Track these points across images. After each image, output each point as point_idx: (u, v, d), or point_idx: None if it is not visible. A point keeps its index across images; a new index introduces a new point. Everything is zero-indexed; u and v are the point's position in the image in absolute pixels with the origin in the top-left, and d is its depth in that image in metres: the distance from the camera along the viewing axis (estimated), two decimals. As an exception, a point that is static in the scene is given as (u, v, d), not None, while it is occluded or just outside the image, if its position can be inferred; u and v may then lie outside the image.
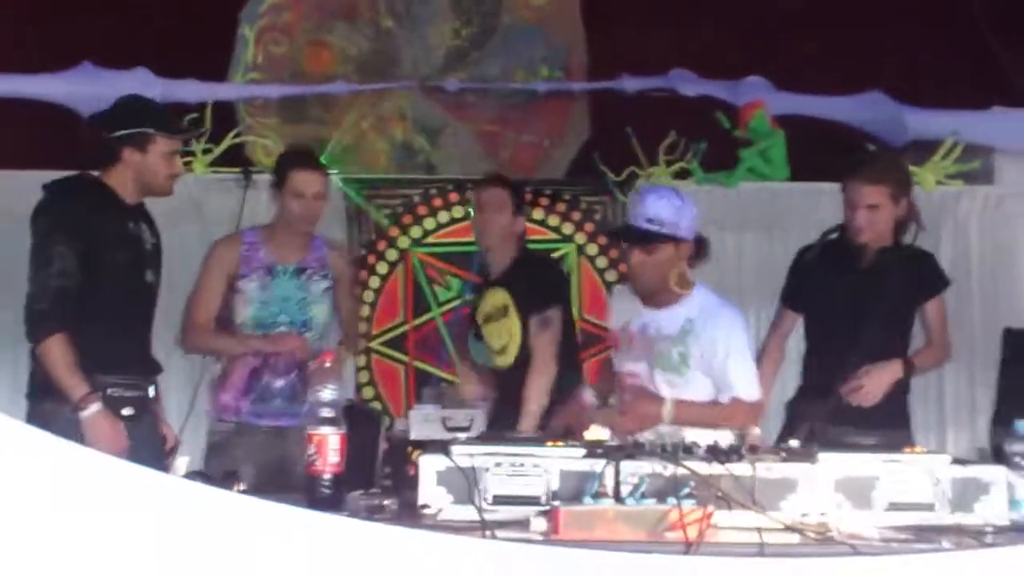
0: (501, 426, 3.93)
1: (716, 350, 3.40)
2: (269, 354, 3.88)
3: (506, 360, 4.16)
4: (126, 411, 3.46)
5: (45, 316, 3.40)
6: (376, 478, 4.01)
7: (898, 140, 5.40)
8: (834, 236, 3.86)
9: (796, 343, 4.07)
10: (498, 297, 4.17)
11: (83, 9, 5.27)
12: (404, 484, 3.43)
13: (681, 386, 3.42)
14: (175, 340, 4.00)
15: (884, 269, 3.77)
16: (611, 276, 5.43)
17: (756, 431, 3.47)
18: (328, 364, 2.89)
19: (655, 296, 3.47)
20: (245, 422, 3.88)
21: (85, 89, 5.05)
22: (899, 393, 3.82)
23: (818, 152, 5.31)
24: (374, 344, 5.42)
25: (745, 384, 3.41)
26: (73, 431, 3.23)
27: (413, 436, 4.63)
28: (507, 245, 4.20)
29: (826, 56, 5.47)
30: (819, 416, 3.58)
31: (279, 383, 3.89)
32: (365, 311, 5.38)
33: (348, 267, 4.27)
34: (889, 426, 3.64)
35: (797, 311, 3.96)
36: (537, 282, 4.12)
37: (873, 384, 3.69)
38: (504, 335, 4.15)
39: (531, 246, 4.87)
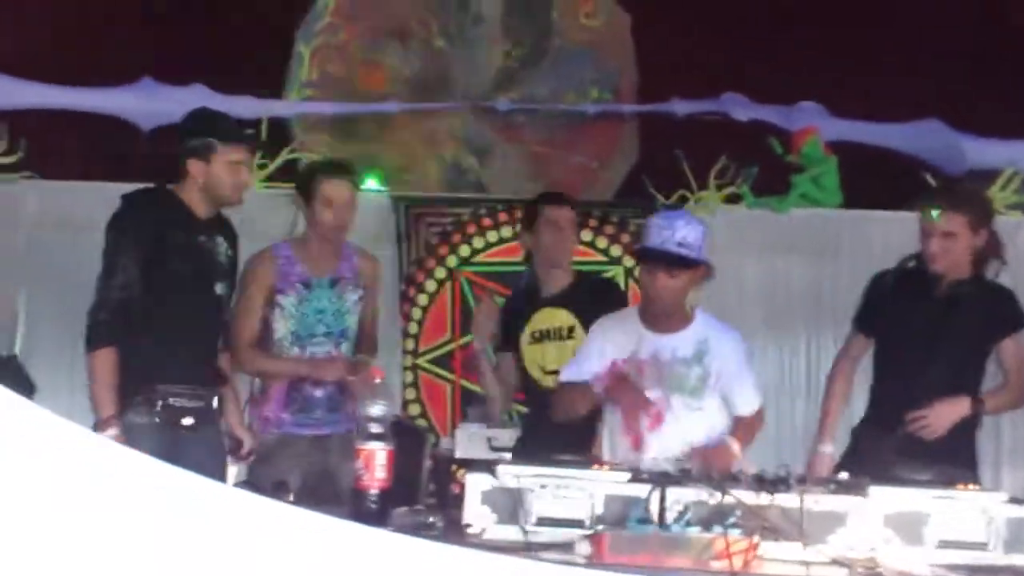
0: (543, 446, 3.91)
1: (730, 370, 3.46)
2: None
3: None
4: (186, 420, 3.51)
5: (101, 327, 3.46)
6: (420, 496, 4.00)
7: (955, 169, 5.35)
8: (912, 264, 3.77)
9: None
10: (559, 317, 4.13)
11: (144, 25, 5.36)
12: (448, 502, 3.45)
13: (699, 409, 3.45)
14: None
15: (959, 301, 3.66)
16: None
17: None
18: (378, 380, 2.89)
19: (668, 320, 3.47)
20: (288, 433, 3.90)
21: (145, 104, 5.15)
22: (967, 430, 3.70)
23: (871, 179, 5.28)
24: (421, 361, 5.43)
25: (751, 400, 3.55)
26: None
27: (458, 455, 4.62)
28: (568, 266, 4.22)
29: (882, 83, 5.43)
30: (881, 447, 3.53)
31: (319, 393, 3.91)
32: (413, 328, 5.39)
33: (378, 274, 4.26)
34: (953, 463, 3.51)
35: (870, 336, 3.86)
36: (605, 303, 4.01)
37: (937, 418, 3.60)
38: (566, 356, 4.01)
39: (578, 267, 4.88)
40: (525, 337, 4.17)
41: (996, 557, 2.59)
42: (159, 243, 3.52)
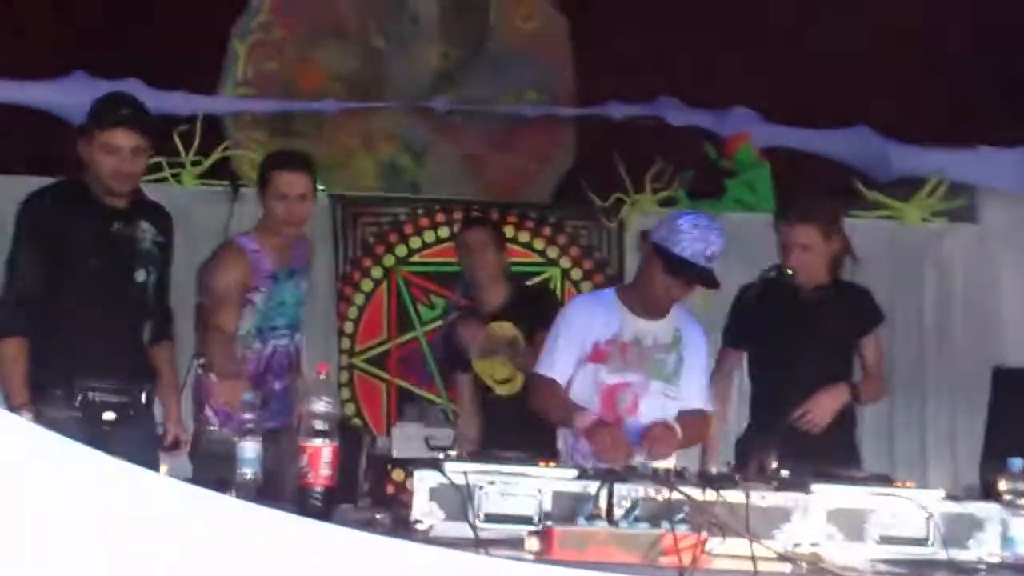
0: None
1: (694, 361, 3.54)
2: (269, 361, 3.90)
3: (512, 389, 4.31)
4: (108, 415, 3.44)
5: (5, 318, 3.45)
6: (357, 495, 4.00)
7: (883, 175, 5.46)
8: (772, 275, 3.85)
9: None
10: (504, 329, 4.31)
11: (77, 18, 5.26)
12: (383, 501, 3.45)
13: (674, 397, 3.51)
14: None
15: (822, 305, 3.81)
16: (595, 301, 5.44)
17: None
18: (323, 376, 2.87)
19: (656, 311, 3.50)
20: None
21: (77, 98, 5.00)
22: (847, 426, 3.89)
23: (803, 184, 5.36)
24: (356, 360, 5.40)
25: (705, 396, 3.60)
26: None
27: (396, 454, 4.63)
28: (498, 279, 4.42)
29: (814, 89, 5.52)
30: (767, 451, 3.59)
31: (277, 386, 3.90)
32: (349, 327, 5.37)
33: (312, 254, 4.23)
34: (838, 460, 3.51)
35: (739, 349, 4.00)
36: (542, 310, 4.14)
37: (820, 408, 3.75)
38: (509, 367, 4.32)
39: (515, 268, 4.93)
40: (475, 352, 4.36)
41: (935, 552, 2.65)
42: (63, 235, 3.47)
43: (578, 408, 3.41)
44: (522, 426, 3.91)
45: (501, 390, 4.34)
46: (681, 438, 3.37)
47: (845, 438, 3.88)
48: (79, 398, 3.41)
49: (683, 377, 3.52)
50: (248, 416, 2.92)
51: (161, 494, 2.21)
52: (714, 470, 2.88)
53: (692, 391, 3.55)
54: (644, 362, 3.48)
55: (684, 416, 3.50)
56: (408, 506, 2.61)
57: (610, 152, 5.42)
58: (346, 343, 5.36)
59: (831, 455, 3.47)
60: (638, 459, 3.18)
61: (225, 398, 3.77)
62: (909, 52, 5.33)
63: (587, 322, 3.53)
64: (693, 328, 3.59)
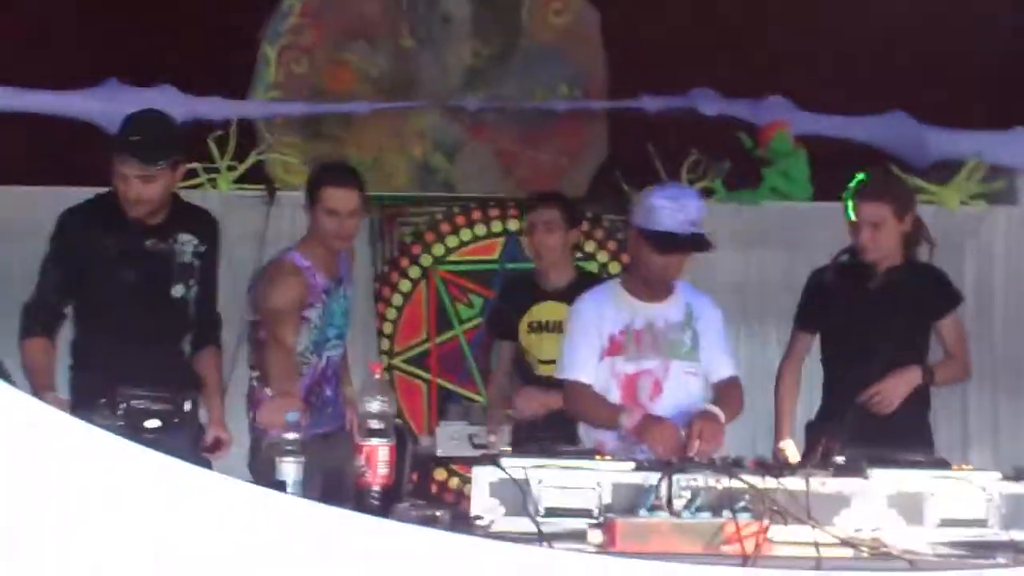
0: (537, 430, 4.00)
1: (712, 333, 3.53)
2: (321, 372, 3.90)
3: (552, 370, 4.14)
4: (151, 423, 3.45)
5: (34, 321, 3.54)
6: (402, 495, 4.00)
7: (920, 160, 5.43)
8: (845, 257, 3.86)
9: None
10: (559, 310, 4.19)
11: (110, 27, 5.29)
12: (429, 501, 3.45)
13: (694, 373, 3.51)
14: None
15: (895, 287, 3.79)
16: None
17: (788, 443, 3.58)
18: (377, 376, 2.88)
19: (658, 290, 3.49)
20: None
21: (110, 106, 5.05)
22: (920, 408, 3.85)
23: (840, 172, 5.33)
24: (396, 361, 5.42)
25: (730, 363, 3.57)
26: None
27: (440, 453, 4.62)
28: (564, 260, 4.34)
29: (848, 76, 5.49)
30: (839, 434, 3.57)
31: (329, 392, 3.92)
32: (388, 328, 5.38)
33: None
34: (911, 443, 3.54)
35: (811, 332, 3.98)
36: None
37: (891, 390, 3.72)
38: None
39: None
40: (523, 326, 4.28)
41: (995, 533, 2.64)
42: (95, 251, 3.52)
43: (620, 408, 3.41)
44: (559, 412, 3.87)
45: (543, 370, 4.22)
46: (725, 419, 3.35)
47: (917, 421, 3.83)
48: (121, 407, 3.43)
49: (703, 351, 3.51)
50: (291, 436, 2.83)
51: (221, 492, 2.23)
52: None
53: (717, 361, 3.54)
54: (660, 345, 3.48)
55: (720, 390, 3.51)
56: (455, 504, 2.62)
57: (644, 145, 5.40)
58: (385, 344, 5.38)
59: (902, 438, 3.46)
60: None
61: (268, 419, 3.76)
62: (944, 35, 5.28)
63: (598, 317, 3.54)
64: (702, 300, 3.60)
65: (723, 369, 3.54)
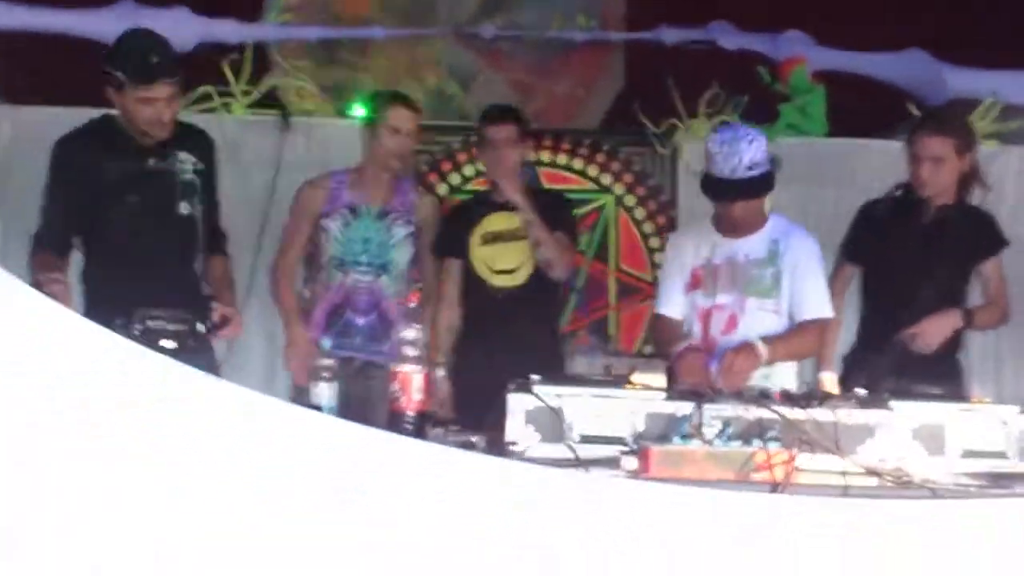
0: (486, 346, 4.04)
1: (797, 269, 3.52)
2: (348, 293, 4.01)
3: (513, 280, 4.20)
4: (166, 343, 3.50)
5: (36, 248, 3.58)
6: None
7: (937, 98, 5.42)
8: (899, 193, 3.90)
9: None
10: (512, 220, 4.20)
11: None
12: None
13: (774, 311, 3.53)
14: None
15: (945, 225, 3.82)
16: (648, 227, 5.47)
17: (829, 375, 3.61)
18: (413, 305, 2.93)
19: (745, 227, 3.52)
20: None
21: (124, 26, 5.00)
22: (953, 348, 3.89)
23: (857, 108, 5.34)
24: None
25: (820, 303, 3.56)
26: None
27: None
28: (515, 175, 4.27)
29: (867, 12, 5.47)
30: (874, 368, 3.63)
31: (360, 321, 3.99)
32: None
33: (435, 216, 4.35)
34: (943, 381, 3.64)
35: (857, 264, 3.99)
36: (555, 215, 4.21)
37: (932, 330, 3.74)
38: (517, 254, 4.20)
39: (570, 195, 4.94)
40: (475, 239, 4.24)
41: (1014, 465, 2.71)
42: (97, 175, 3.55)
43: (678, 338, 3.46)
44: (514, 325, 4.06)
45: (499, 280, 4.20)
46: (766, 356, 3.38)
47: (951, 360, 3.87)
48: (138, 327, 3.47)
49: (785, 289, 3.52)
50: (325, 362, 2.92)
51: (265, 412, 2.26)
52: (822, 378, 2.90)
53: (802, 300, 3.53)
54: (738, 280, 3.51)
55: (794, 328, 3.51)
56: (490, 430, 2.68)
57: (662, 78, 5.39)
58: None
59: (934, 376, 3.51)
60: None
61: (294, 365, 3.93)
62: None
63: (682, 252, 3.63)
64: (796, 237, 3.58)
65: (807, 308, 3.53)
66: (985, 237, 3.96)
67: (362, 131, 4.20)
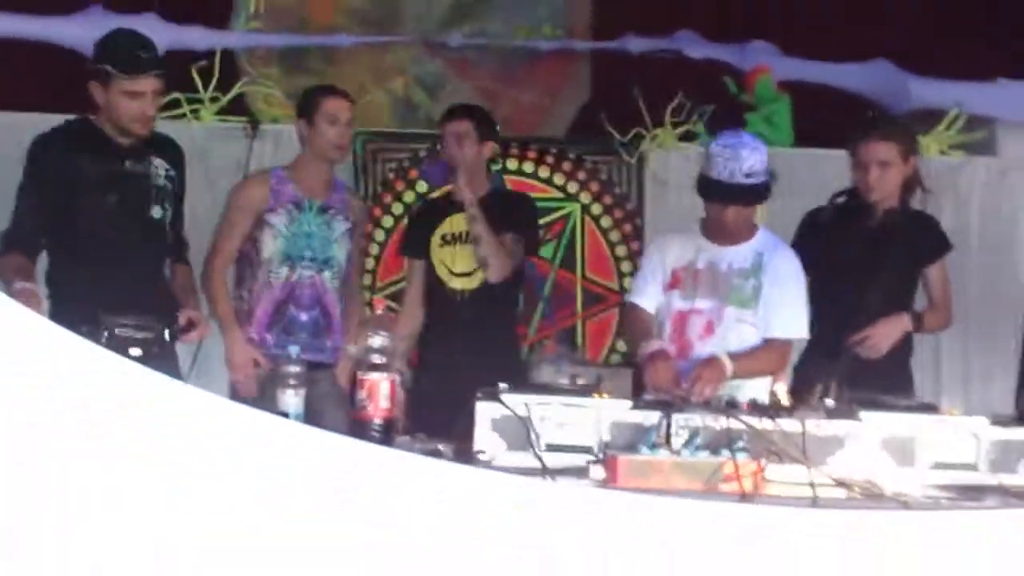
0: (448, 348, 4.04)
1: (776, 285, 3.52)
2: (291, 289, 3.99)
3: (469, 283, 4.15)
4: (133, 351, 3.45)
5: (5, 244, 3.55)
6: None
7: (901, 108, 5.45)
8: (842, 200, 3.93)
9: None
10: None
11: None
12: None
13: (751, 324, 3.52)
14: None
15: (890, 230, 3.86)
16: (615, 236, 5.45)
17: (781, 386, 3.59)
18: (380, 311, 2.91)
19: (734, 235, 3.52)
20: (270, 355, 3.92)
21: (93, 33, 4.93)
22: (904, 354, 3.92)
23: (822, 118, 5.36)
24: (378, 296, 5.41)
25: (793, 322, 3.55)
26: None
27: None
28: (478, 173, 4.22)
29: (832, 22, 5.50)
30: (826, 376, 3.63)
31: (303, 317, 3.98)
32: (370, 263, 5.37)
33: (364, 214, 4.42)
34: (894, 387, 3.63)
35: (805, 272, 3.99)
36: (514, 219, 4.18)
37: (880, 335, 3.77)
38: (472, 260, 4.14)
39: (539, 203, 4.92)
40: (435, 240, 4.22)
41: (984, 477, 2.72)
42: (73, 175, 3.53)
43: (647, 337, 3.44)
44: (472, 328, 4.04)
45: (456, 283, 4.16)
46: (731, 372, 3.38)
47: (901, 367, 3.91)
48: (104, 335, 3.43)
49: (763, 304, 3.52)
50: (292, 369, 2.93)
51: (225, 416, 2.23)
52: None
53: (772, 318, 3.53)
54: (720, 287, 3.50)
55: (760, 346, 3.51)
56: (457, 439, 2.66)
57: (628, 87, 5.39)
58: (368, 279, 5.37)
59: (886, 383, 3.52)
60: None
61: (236, 374, 3.93)
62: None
63: (666, 251, 3.63)
64: (780, 254, 3.59)
65: (776, 327, 3.52)
66: (931, 240, 4.00)
67: (297, 126, 4.16)
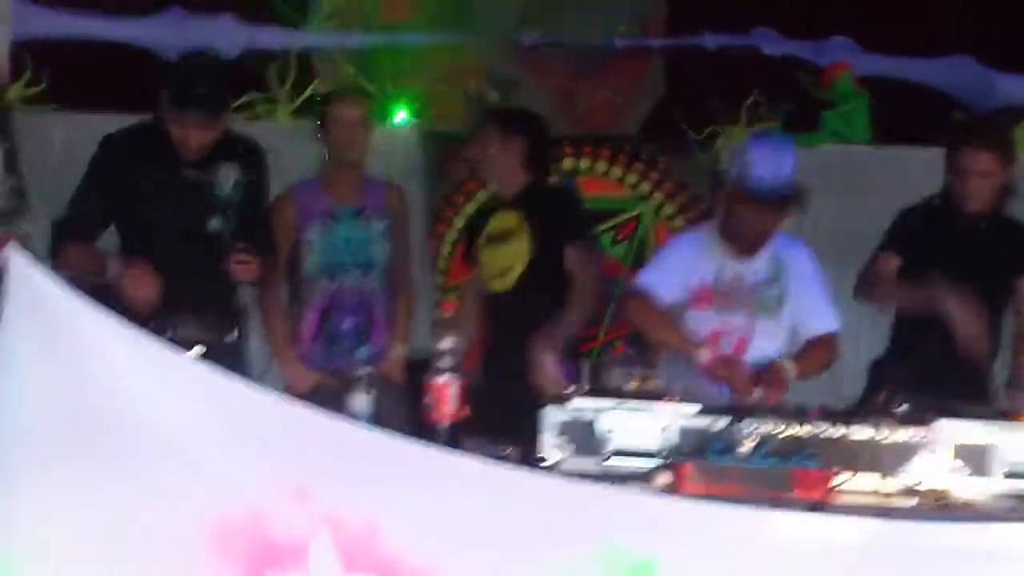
0: (505, 353, 3.87)
1: (802, 284, 3.49)
2: (334, 297, 3.98)
3: (504, 284, 4.03)
4: (196, 350, 3.50)
5: (60, 235, 3.58)
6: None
7: (985, 105, 5.32)
8: (937, 201, 3.84)
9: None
10: (508, 219, 4.05)
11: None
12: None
13: (774, 331, 3.48)
14: None
15: (981, 236, 3.77)
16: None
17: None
18: (449, 315, 2.92)
19: (754, 245, 3.47)
20: (318, 368, 3.96)
21: (172, 34, 5.06)
22: (985, 359, 3.79)
23: (901, 116, 5.26)
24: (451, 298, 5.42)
25: (827, 316, 3.52)
26: None
27: None
28: (511, 169, 4.08)
29: (914, 17, 5.39)
30: (904, 379, 3.56)
31: (347, 324, 3.98)
32: (442, 264, 5.39)
33: (406, 204, 4.31)
34: (973, 394, 3.51)
35: (899, 256, 3.86)
36: (557, 209, 4.05)
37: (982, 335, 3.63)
38: (507, 257, 4.04)
39: (607, 204, 4.87)
40: (483, 240, 4.13)
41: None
42: (132, 179, 3.58)
43: (694, 341, 3.40)
44: (515, 328, 3.83)
45: (494, 284, 4.03)
46: (796, 374, 3.33)
47: (983, 372, 3.80)
48: (168, 334, 3.48)
49: (790, 305, 3.47)
50: (363, 371, 2.96)
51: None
52: None
53: (808, 315, 3.49)
54: (748, 301, 3.46)
55: (808, 344, 3.46)
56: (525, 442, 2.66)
57: (703, 84, 5.33)
58: (439, 280, 5.39)
59: (966, 388, 3.45)
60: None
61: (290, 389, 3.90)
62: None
63: (691, 257, 3.55)
64: (795, 251, 3.55)
65: (814, 323, 3.50)
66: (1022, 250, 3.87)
67: (318, 134, 4.17)
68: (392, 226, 4.12)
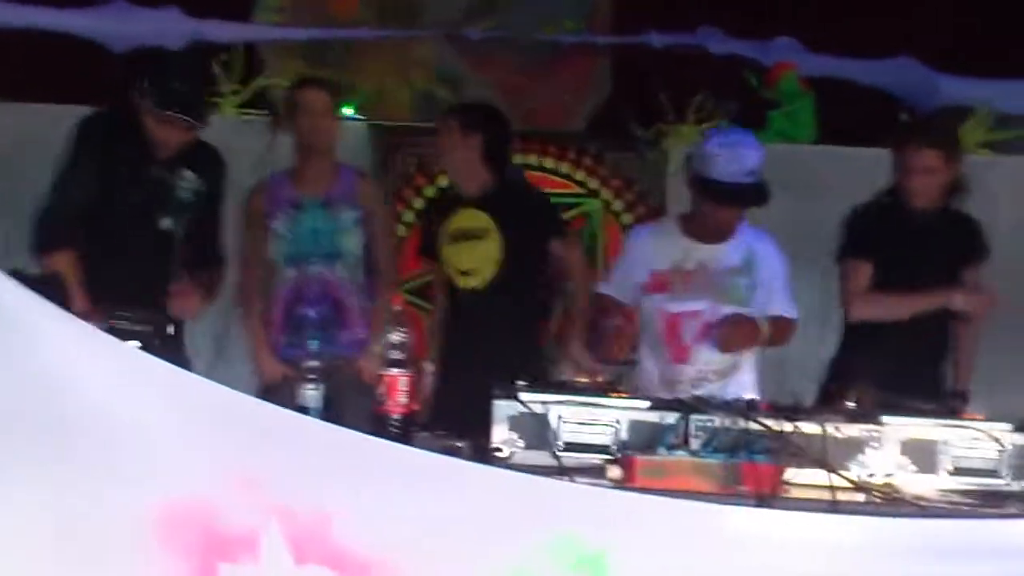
0: (467, 348, 3.91)
1: (775, 281, 3.57)
2: (299, 286, 3.98)
3: (473, 283, 4.02)
4: (131, 343, 3.46)
5: (55, 231, 3.54)
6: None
7: (927, 105, 5.41)
8: (887, 199, 3.88)
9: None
10: (475, 217, 4.03)
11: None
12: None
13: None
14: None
15: (930, 232, 3.83)
16: (638, 232, 5.43)
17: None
18: (398, 307, 2.91)
19: (719, 234, 3.49)
20: (286, 357, 3.93)
21: (117, 26, 5.00)
22: (937, 356, 3.89)
23: (846, 116, 5.32)
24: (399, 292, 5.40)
25: (789, 304, 3.64)
26: None
27: None
28: (476, 168, 4.05)
29: (858, 18, 5.46)
30: (859, 376, 3.59)
31: (312, 313, 3.97)
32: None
33: (378, 198, 4.32)
34: (928, 390, 3.61)
35: (867, 260, 3.87)
36: (527, 207, 4.07)
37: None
38: (477, 255, 4.03)
39: (556, 199, 4.88)
40: (445, 239, 4.12)
41: (1006, 483, 2.68)
42: (107, 165, 3.56)
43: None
44: (486, 327, 3.89)
45: (462, 281, 4.02)
46: (764, 336, 3.37)
47: (934, 368, 3.88)
48: (107, 324, 3.44)
49: (758, 298, 3.54)
50: (312, 364, 2.96)
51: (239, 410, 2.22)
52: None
53: (774, 300, 3.57)
54: (713, 287, 3.48)
55: (776, 319, 3.55)
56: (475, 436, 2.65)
57: (650, 82, 5.36)
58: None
59: (918, 384, 3.48)
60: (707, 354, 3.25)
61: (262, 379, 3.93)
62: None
63: (644, 250, 3.57)
64: (765, 246, 3.60)
65: (776, 307, 3.57)
66: (971, 242, 3.96)
67: (286, 124, 4.17)
68: (366, 216, 4.10)
